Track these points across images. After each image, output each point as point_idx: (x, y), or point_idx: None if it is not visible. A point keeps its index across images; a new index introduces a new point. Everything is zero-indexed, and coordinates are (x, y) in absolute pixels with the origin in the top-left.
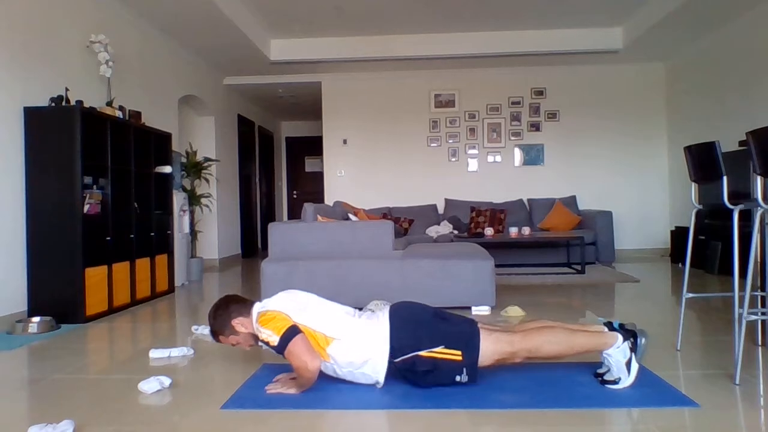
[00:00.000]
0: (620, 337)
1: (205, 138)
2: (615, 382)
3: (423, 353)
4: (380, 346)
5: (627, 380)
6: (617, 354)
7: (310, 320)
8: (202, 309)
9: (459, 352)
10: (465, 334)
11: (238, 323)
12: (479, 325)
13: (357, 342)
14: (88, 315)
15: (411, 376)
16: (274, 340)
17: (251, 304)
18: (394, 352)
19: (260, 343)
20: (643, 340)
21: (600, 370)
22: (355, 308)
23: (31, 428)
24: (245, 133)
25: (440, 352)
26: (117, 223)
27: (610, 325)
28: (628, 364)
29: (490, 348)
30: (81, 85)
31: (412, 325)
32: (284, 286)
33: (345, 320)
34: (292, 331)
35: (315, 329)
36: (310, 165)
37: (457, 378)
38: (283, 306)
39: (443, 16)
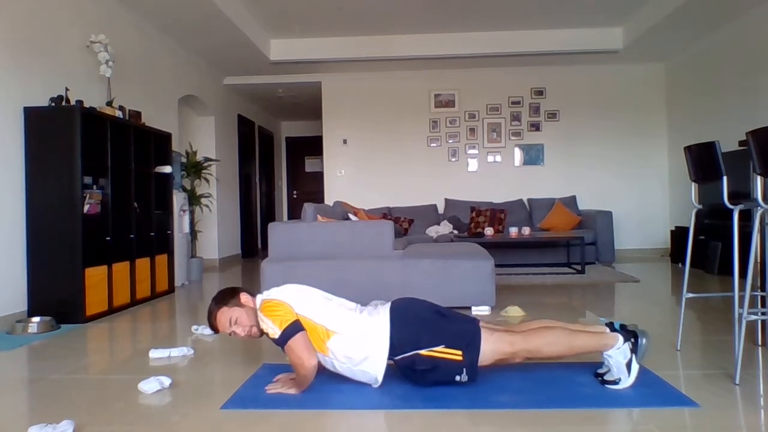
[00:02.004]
0: (621, 338)
1: (205, 138)
2: (615, 383)
3: (423, 352)
4: (380, 344)
5: (627, 381)
6: (617, 355)
7: (312, 312)
8: (202, 309)
9: (459, 352)
10: (466, 334)
11: (245, 296)
12: (480, 324)
13: (357, 337)
14: (88, 315)
15: (411, 375)
16: (275, 332)
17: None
18: (393, 350)
19: (258, 330)
20: (644, 341)
21: (600, 370)
22: (357, 303)
23: (31, 428)
24: (245, 133)
25: (440, 351)
26: (117, 223)
27: (611, 326)
28: (629, 365)
29: (491, 348)
30: (81, 85)
31: (412, 323)
32: None
33: (346, 315)
34: (294, 328)
35: (316, 321)
36: (310, 165)
37: (457, 378)
38: (287, 296)
39: (443, 16)
